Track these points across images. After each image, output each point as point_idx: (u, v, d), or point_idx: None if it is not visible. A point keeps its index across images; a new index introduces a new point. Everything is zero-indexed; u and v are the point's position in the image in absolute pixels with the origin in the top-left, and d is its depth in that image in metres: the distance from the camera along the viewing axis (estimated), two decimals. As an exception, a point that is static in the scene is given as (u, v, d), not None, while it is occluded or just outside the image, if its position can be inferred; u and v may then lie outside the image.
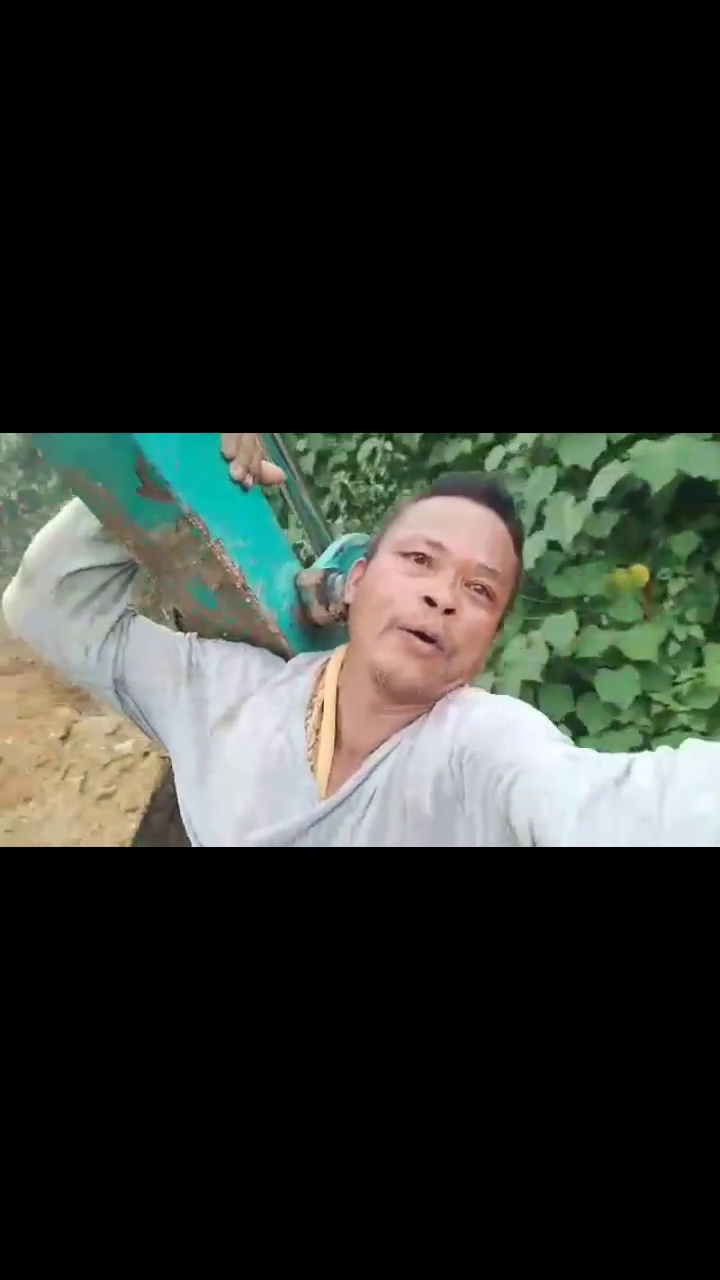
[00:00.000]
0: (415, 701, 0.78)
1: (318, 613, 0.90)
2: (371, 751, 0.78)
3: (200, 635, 0.90)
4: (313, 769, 0.79)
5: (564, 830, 0.55)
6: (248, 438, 0.79)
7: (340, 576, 0.92)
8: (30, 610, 0.82)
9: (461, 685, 0.80)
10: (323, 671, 0.85)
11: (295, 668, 0.87)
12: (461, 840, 0.71)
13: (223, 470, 0.78)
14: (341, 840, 0.76)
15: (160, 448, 0.69)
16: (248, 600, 0.83)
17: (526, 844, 0.60)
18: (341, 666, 0.84)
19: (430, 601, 0.74)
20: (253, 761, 0.80)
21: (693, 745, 0.56)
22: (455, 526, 0.77)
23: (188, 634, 0.90)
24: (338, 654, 0.86)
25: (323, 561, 0.96)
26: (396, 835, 0.74)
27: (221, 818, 0.79)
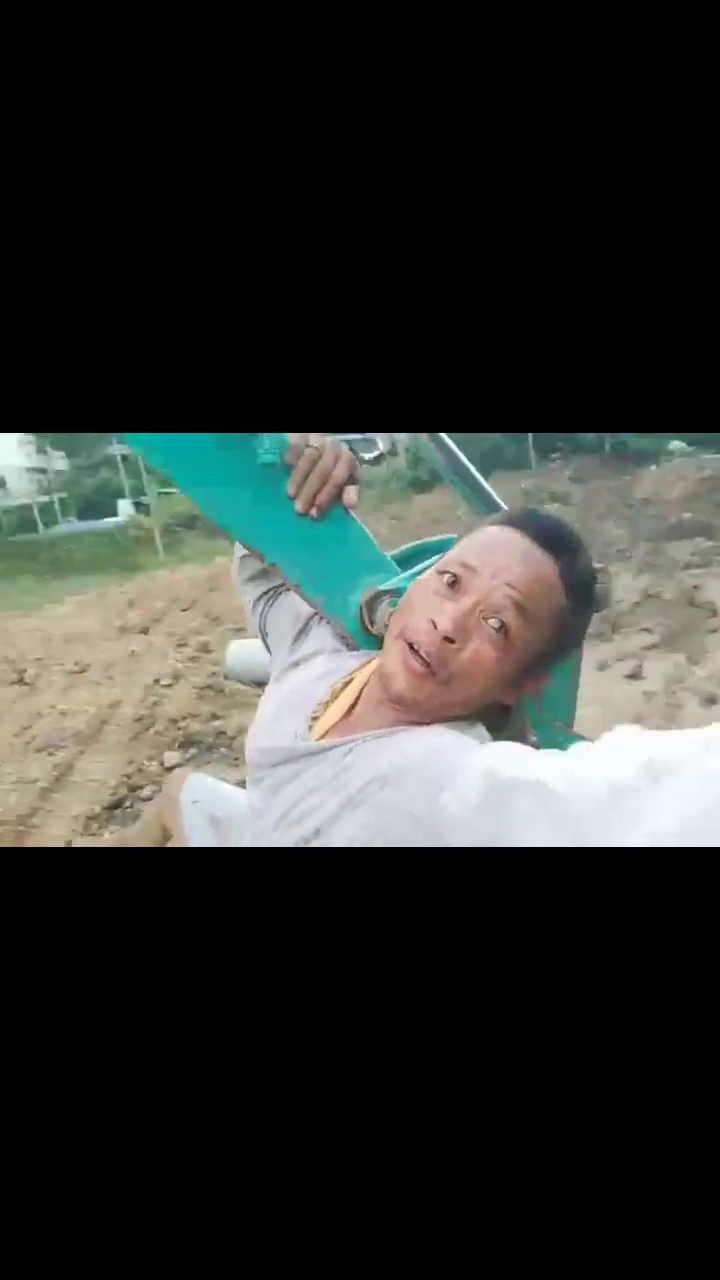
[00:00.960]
0: (410, 710, 0.81)
1: (368, 627, 0.99)
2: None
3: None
4: (315, 720, 0.89)
5: (471, 769, 0.67)
6: (316, 475, 0.92)
7: (390, 603, 0.96)
8: (234, 575, 1.17)
9: (462, 712, 0.81)
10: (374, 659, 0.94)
11: (367, 653, 0.98)
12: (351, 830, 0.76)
13: (282, 503, 0.92)
14: (298, 785, 0.82)
15: (207, 497, 0.91)
16: (312, 606, 0.99)
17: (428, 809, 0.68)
18: None
19: (434, 624, 0.77)
20: (288, 695, 0.95)
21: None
22: (494, 556, 0.78)
23: (316, 612, 1.04)
24: None
25: (397, 581, 1.01)
26: (329, 808, 0.79)
27: (252, 728, 0.96)
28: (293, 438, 0.92)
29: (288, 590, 1.05)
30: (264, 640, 1.13)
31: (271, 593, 1.11)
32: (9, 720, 5.80)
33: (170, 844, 1.28)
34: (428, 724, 0.81)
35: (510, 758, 0.68)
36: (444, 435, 1.11)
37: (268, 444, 0.88)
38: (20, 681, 6.79)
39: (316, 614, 1.03)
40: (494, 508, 1.11)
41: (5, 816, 4.24)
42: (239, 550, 1.10)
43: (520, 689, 0.85)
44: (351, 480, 0.95)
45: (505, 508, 1.06)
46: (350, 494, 0.95)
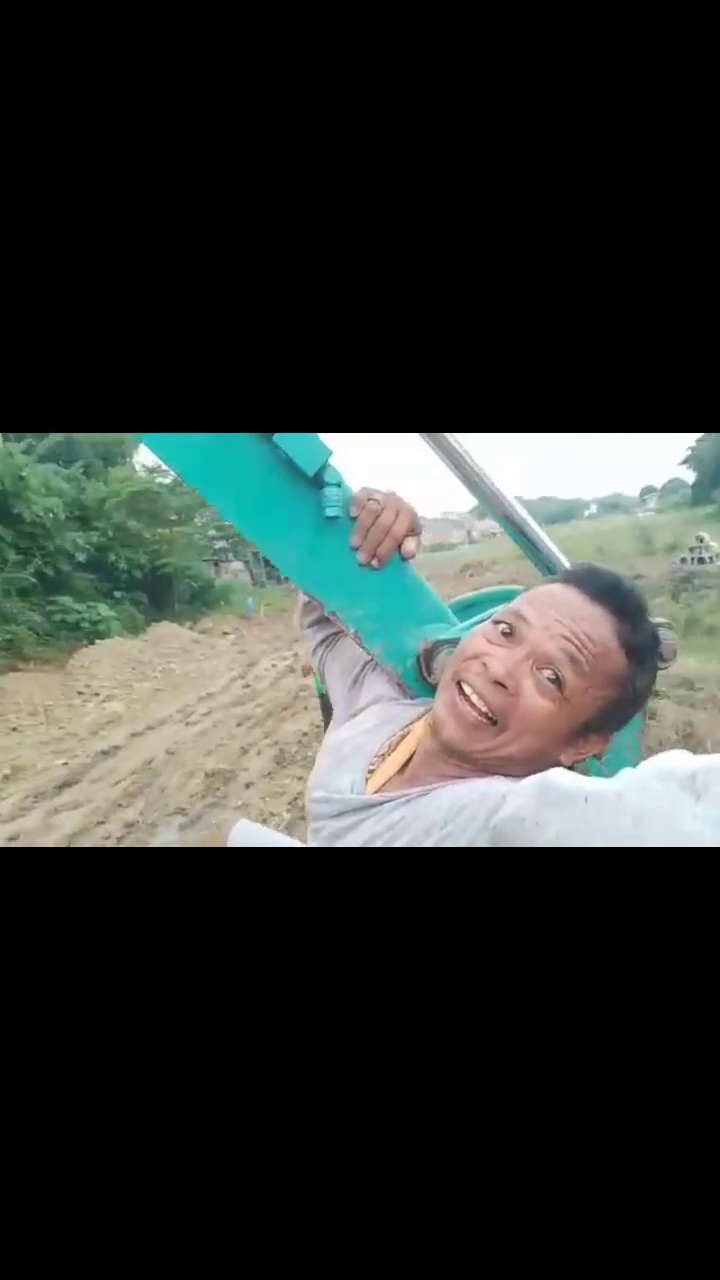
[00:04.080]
0: (461, 760, 0.79)
1: (425, 676, 1.01)
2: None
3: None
4: (371, 772, 0.88)
5: (522, 789, 0.66)
6: (378, 528, 0.95)
7: (448, 651, 0.98)
8: (297, 621, 1.21)
9: (519, 769, 0.78)
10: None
11: (423, 701, 1.00)
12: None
13: (343, 554, 0.97)
14: (356, 836, 0.81)
15: (274, 547, 0.94)
16: (369, 654, 1.03)
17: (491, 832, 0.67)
18: None
19: (485, 666, 0.76)
20: (342, 745, 0.96)
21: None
22: (549, 609, 0.78)
23: (370, 658, 1.08)
24: None
25: (456, 630, 1.03)
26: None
27: (311, 778, 0.98)
28: (358, 493, 0.97)
29: (346, 637, 1.09)
30: (323, 684, 1.16)
31: (331, 639, 1.15)
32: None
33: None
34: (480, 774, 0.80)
35: (563, 774, 0.67)
36: (510, 498, 1.10)
37: (333, 497, 0.93)
38: None
39: (371, 661, 1.06)
40: (556, 568, 1.10)
41: None
42: (302, 596, 1.14)
43: (579, 750, 0.82)
44: (411, 533, 0.98)
45: (567, 565, 1.07)
46: (410, 546, 0.98)
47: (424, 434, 1.02)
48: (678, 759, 0.59)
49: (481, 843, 0.68)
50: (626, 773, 0.62)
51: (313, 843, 0.90)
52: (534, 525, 1.10)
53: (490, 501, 1.08)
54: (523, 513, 1.09)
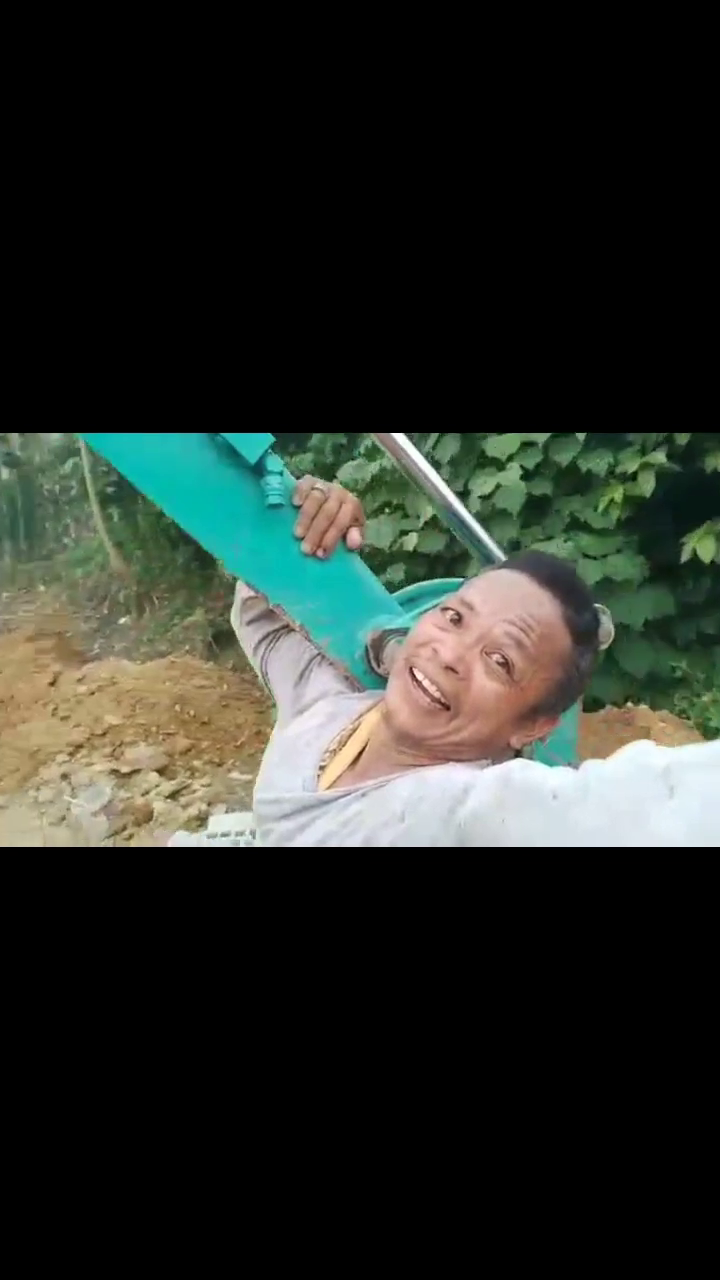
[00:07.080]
0: (414, 748, 0.80)
1: (374, 667, 1.01)
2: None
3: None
4: (322, 769, 0.88)
5: (484, 785, 0.67)
6: (322, 516, 0.94)
7: (396, 641, 0.99)
8: (235, 619, 1.18)
9: (471, 754, 0.81)
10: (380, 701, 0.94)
11: (371, 694, 0.99)
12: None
13: (288, 545, 0.95)
14: (311, 834, 0.81)
15: (214, 539, 0.92)
16: (316, 648, 1.02)
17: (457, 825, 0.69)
18: None
19: (436, 652, 0.78)
20: (291, 742, 0.94)
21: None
22: (495, 594, 0.80)
23: (317, 652, 1.06)
24: None
25: (404, 620, 1.04)
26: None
27: (258, 779, 0.95)
28: (300, 482, 0.95)
29: (288, 633, 1.08)
30: (265, 683, 1.13)
31: (272, 636, 1.12)
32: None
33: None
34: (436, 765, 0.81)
35: (527, 768, 0.67)
36: (449, 492, 1.13)
37: (275, 485, 0.91)
38: None
39: (317, 656, 1.05)
40: (494, 559, 1.13)
41: None
42: (240, 593, 1.13)
43: (529, 733, 0.84)
44: (356, 523, 0.98)
45: (504, 558, 1.10)
46: (354, 536, 0.98)
47: (371, 432, 1.02)
48: (648, 752, 0.61)
49: (445, 841, 0.69)
50: (593, 765, 0.63)
51: (263, 845, 0.88)
52: (473, 520, 1.13)
53: (433, 495, 1.10)
54: (462, 508, 1.13)
